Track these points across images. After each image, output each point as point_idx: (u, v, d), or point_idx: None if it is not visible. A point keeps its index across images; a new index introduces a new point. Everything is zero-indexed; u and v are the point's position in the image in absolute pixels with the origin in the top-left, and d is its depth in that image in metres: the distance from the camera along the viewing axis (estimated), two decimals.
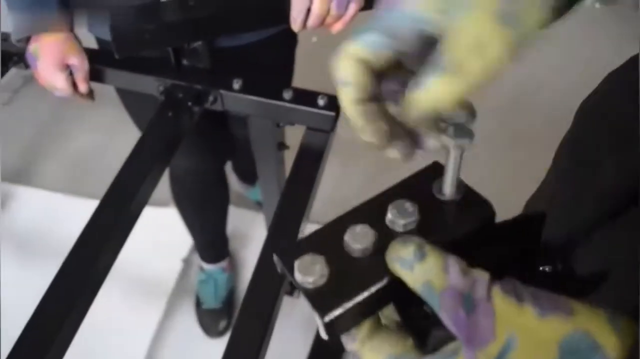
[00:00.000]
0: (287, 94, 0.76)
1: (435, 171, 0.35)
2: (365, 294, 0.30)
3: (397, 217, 0.32)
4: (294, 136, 0.87)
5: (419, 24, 0.30)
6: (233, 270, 1.58)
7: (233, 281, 1.56)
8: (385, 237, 0.31)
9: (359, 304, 0.30)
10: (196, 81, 0.78)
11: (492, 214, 0.34)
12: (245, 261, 1.63)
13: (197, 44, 0.77)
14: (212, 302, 1.48)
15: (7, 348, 0.56)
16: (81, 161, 1.93)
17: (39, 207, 1.78)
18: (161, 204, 1.65)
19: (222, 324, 1.47)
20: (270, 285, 0.63)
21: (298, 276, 0.30)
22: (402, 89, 0.32)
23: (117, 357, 1.43)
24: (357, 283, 0.30)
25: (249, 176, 1.65)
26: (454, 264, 0.28)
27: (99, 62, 0.82)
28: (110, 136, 1.99)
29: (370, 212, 0.33)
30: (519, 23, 0.29)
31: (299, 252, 0.31)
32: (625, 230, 0.42)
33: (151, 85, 0.79)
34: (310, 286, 0.30)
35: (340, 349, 1.33)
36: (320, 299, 0.30)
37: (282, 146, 0.87)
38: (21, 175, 1.88)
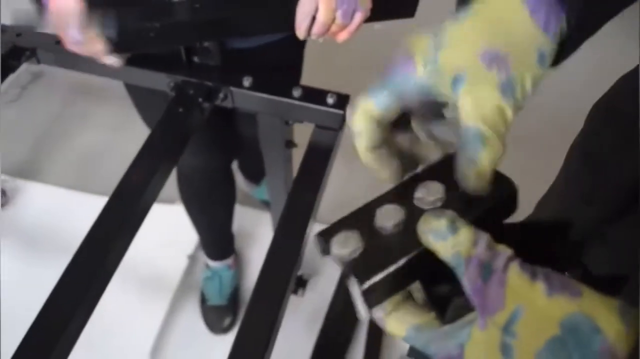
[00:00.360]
0: (297, 92, 0.77)
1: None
2: (398, 265, 0.32)
3: (426, 195, 0.34)
4: (302, 134, 0.87)
5: (425, 91, 0.35)
6: (238, 268, 1.59)
7: (238, 279, 1.57)
8: (413, 214, 0.34)
9: (393, 274, 0.33)
10: (207, 78, 0.79)
11: (514, 190, 0.36)
12: (250, 259, 1.64)
13: (209, 42, 0.78)
14: (217, 299, 1.49)
15: (12, 343, 0.57)
16: (88, 158, 1.94)
17: (45, 202, 1.79)
18: (167, 201, 1.66)
19: (227, 321, 1.48)
20: (277, 283, 0.63)
21: (335, 250, 0.33)
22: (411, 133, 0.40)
23: (123, 351, 1.44)
24: (390, 255, 0.33)
25: (254, 175, 1.66)
26: (483, 238, 0.31)
27: None
28: (117, 133, 2.00)
29: (398, 193, 0.36)
30: (517, 92, 0.34)
31: (335, 230, 0.35)
32: (636, 227, 0.43)
33: (162, 81, 0.80)
34: (347, 259, 0.33)
35: (343, 348, 1.32)
36: (358, 269, 0.32)
37: (290, 143, 0.87)
38: (28, 170, 1.89)
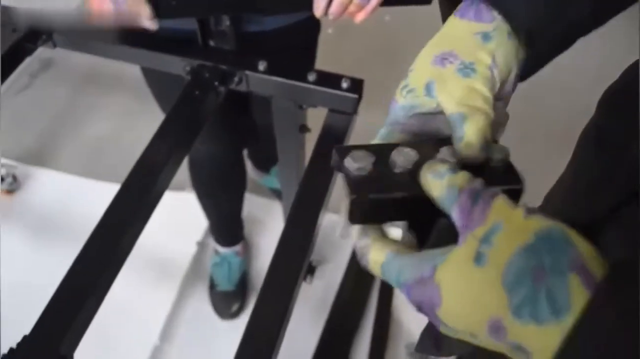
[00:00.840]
0: (311, 76, 0.78)
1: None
2: (389, 196, 0.36)
3: (447, 156, 0.37)
4: (314, 120, 0.88)
5: (411, 111, 0.41)
6: (247, 255, 1.60)
7: (246, 265, 1.58)
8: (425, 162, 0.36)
9: (381, 201, 0.36)
10: (222, 62, 0.80)
11: (520, 188, 0.38)
12: (259, 247, 1.65)
13: (225, 25, 0.79)
14: (225, 284, 1.51)
15: (22, 328, 0.57)
16: (97, 145, 1.96)
17: (55, 188, 1.81)
18: (177, 188, 1.67)
19: (235, 306, 1.50)
20: (289, 271, 0.64)
21: (348, 161, 0.36)
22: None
23: (132, 336, 1.45)
24: (388, 186, 0.36)
25: (264, 163, 1.67)
26: (478, 180, 0.33)
27: (128, 42, 0.83)
28: (126, 121, 2.01)
29: (423, 145, 0.38)
30: (478, 68, 0.39)
31: (354, 149, 0.38)
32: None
33: (178, 65, 0.81)
34: (353, 173, 0.36)
35: (350, 336, 1.32)
36: (355, 184, 0.36)
37: (303, 128, 0.88)
38: (39, 157, 1.91)
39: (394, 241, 0.36)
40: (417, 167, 0.36)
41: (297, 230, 0.68)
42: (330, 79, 0.78)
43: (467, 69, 0.39)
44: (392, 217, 0.38)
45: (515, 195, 0.38)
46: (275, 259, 0.65)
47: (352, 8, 0.72)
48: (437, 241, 0.35)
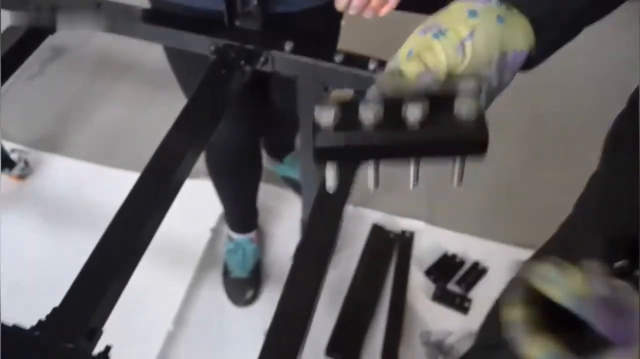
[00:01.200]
0: (338, 57, 0.77)
1: None
2: (346, 144, 0.40)
3: (413, 110, 0.39)
4: None
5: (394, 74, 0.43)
6: (260, 243, 1.60)
7: (260, 253, 1.58)
8: (390, 116, 0.40)
9: (341, 148, 0.40)
10: (248, 42, 0.79)
11: (486, 140, 0.40)
12: (272, 235, 1.64)
13: (252, 5, 0.78)
14: (240, 271, 1.50)
15: (39, 310, 0.57)
16: (108, 133, 1.95)
17: (67, 174, 1.81)
18: (190, 175, 1.66)
19: (249, 293, 1.49)
20: (316, 260, 0.65)
21: (316, 111, 0.41)
22: None
23: (146, 322, 1.45)
24: (349, 134, 0.40)
25: (278, 151, 1.67)
26: (595, 273, 0.32)
27: (153, 22, 0.83)
28: (138, 110, 2.01)
29: (391, 101, 0.41)
30: (449, 35, 0.41)
31: (329, 100, 0.42)
32: None
33: (204, 44, 0.80)
34: (320, 122, 0.40)
35: (365, 324, 1.31)
36: (319, 133, 0.41)
37: None
38: (50, 143, 1.91)
39: (549, 337, 0.34)
40: (382, 119, 0.39)
41: (322, 221, 0.68)
42: (357, 60, 0.78)
43: (439, 34, 0.42)
44: (357, 160, 0.43)
45: (480, 146, 0.40)
46: (301, 248, 0.65)
47: (374, 3, 0.71)
48: (585, 343, 0.33)
